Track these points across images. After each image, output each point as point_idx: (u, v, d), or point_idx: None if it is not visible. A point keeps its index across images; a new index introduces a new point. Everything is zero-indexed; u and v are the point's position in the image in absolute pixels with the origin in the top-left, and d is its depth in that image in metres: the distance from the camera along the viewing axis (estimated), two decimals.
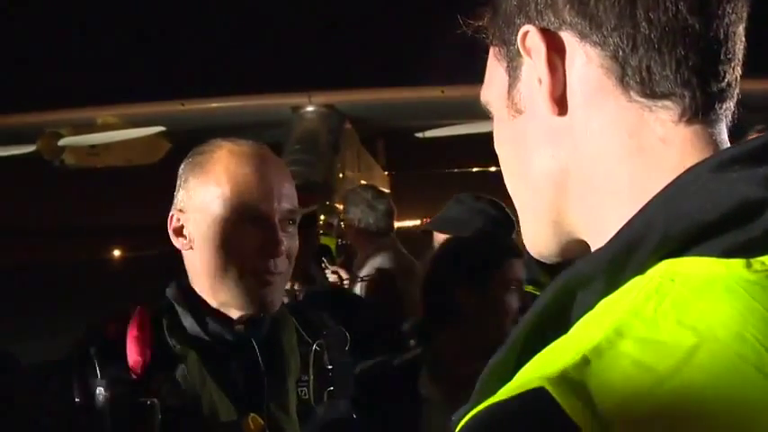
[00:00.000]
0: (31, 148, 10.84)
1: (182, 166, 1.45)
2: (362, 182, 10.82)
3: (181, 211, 1.42)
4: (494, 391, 0.50)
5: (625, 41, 0.58)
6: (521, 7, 0.64)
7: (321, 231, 4.75)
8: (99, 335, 1.40)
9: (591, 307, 0.54)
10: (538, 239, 0.69)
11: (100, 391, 1.31)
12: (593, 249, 0.63)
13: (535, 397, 0.46)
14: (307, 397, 1.46)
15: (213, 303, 1.41)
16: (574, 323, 0.54)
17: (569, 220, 0.65)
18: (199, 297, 1.42)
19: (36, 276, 18.61)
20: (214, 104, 11.95)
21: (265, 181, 1.39)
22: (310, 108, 11.45)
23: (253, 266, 1.37)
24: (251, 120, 11.45)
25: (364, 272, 3.40)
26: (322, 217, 5.44)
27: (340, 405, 1.53)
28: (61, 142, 10.67)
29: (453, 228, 2.65)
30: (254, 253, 1.37)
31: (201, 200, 1.39)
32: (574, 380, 0.46)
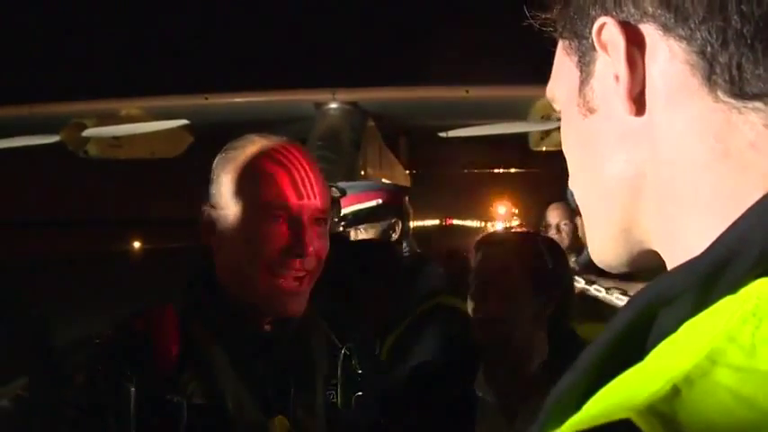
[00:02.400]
0: (55, 138, 10.89)
1: (215, 160, 1.45)
2: (384, 180, 10.80)
3: (212, 206, 1.41)
4: (561, 420, 0.46)
5: (714, 36, 0.53)
6: None
7: None
8: (127, 331, 1.40)
9: (673, 328, 0.49)
10: (605, 248, 0.65)
11: (127, 388, 1.30)
12: (666, 261, 0.59)
13: (622, 430, 0.42)
14: (335, 401, 1.45)
15: (241, 301, 1.40)
16: (651, 345, 0.49)
17: (642, 228, 0.61)
18: (227, 294, 1.41)
19: (65, 267, 18.77)
20: (238, 99, 11.97)
21: (296, 180, 1.38)
22: (333, 105, 11.43)
23: (280, 266, 1.37)
24: (274, 115, 11.46)
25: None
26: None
27: (368, 411, 1.52)
28: (85, 133, 10.72)
29: None
30: (281, 253, 1.36)
31: (231, 196, 1.38)
32: (664, 413, 0.42)
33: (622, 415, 0.42)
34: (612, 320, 0.54)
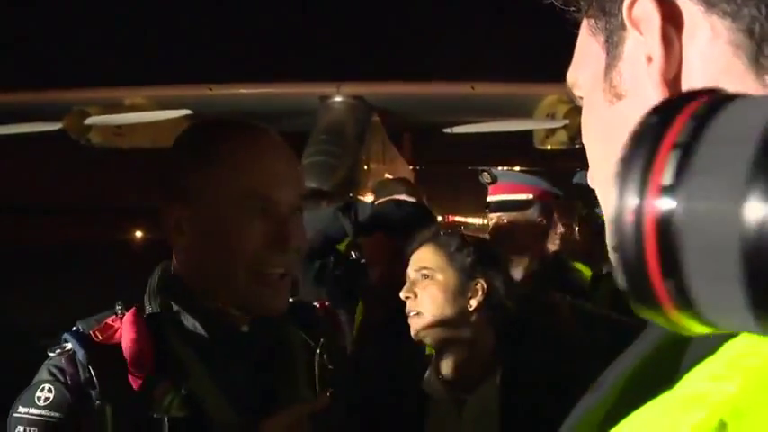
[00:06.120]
0: (57, 126, 10.88)
1: (181, 147, 1.33)
2: (387, 175, 10.78)
3: (182, 201, 1.27)
4: None
5: (763, 13, 0.46)
6: None
7: None
8: (91, 338, 1.26)
9: (713, 348, 0.43)
10: None
11: (99, 404, 1.17)
12: None
13: None
14: (313, 399, 1.37)
15: (213, 302, 1.29)
16: (687, 366, 0.43)
17: None
18: (196, 295, 1.29)
19: (61, 254, 18.77)
20: (242, 90, 11.97)
21: (273, 168, 1.27)
22: (338, 98, 11.41)
23: (261, 263, 1.25)
24: (278, 107, 11.43)
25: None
26: None
27: (338, 407, 1.40)
28: (88, 121, 10.72)
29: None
30: (260, 249, 1.24)
31: (204, 188, 1.25)
32: None
33: None
34: (643, 335, 0.48)
